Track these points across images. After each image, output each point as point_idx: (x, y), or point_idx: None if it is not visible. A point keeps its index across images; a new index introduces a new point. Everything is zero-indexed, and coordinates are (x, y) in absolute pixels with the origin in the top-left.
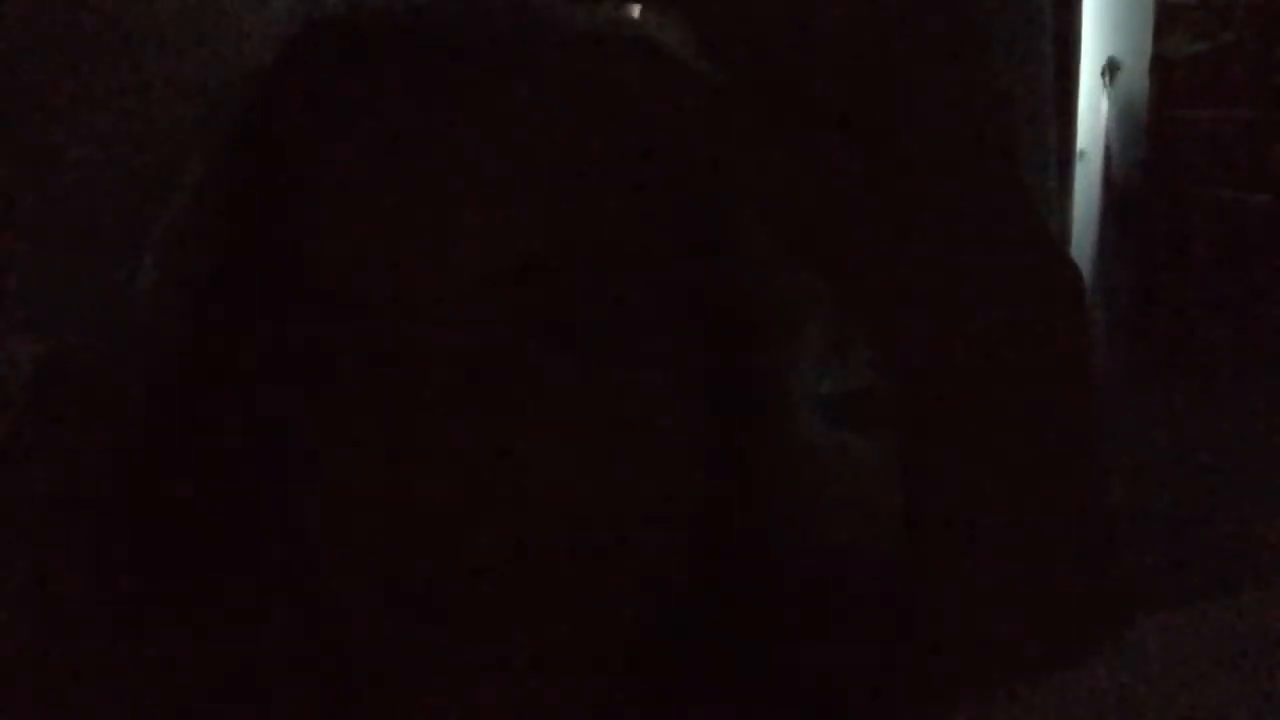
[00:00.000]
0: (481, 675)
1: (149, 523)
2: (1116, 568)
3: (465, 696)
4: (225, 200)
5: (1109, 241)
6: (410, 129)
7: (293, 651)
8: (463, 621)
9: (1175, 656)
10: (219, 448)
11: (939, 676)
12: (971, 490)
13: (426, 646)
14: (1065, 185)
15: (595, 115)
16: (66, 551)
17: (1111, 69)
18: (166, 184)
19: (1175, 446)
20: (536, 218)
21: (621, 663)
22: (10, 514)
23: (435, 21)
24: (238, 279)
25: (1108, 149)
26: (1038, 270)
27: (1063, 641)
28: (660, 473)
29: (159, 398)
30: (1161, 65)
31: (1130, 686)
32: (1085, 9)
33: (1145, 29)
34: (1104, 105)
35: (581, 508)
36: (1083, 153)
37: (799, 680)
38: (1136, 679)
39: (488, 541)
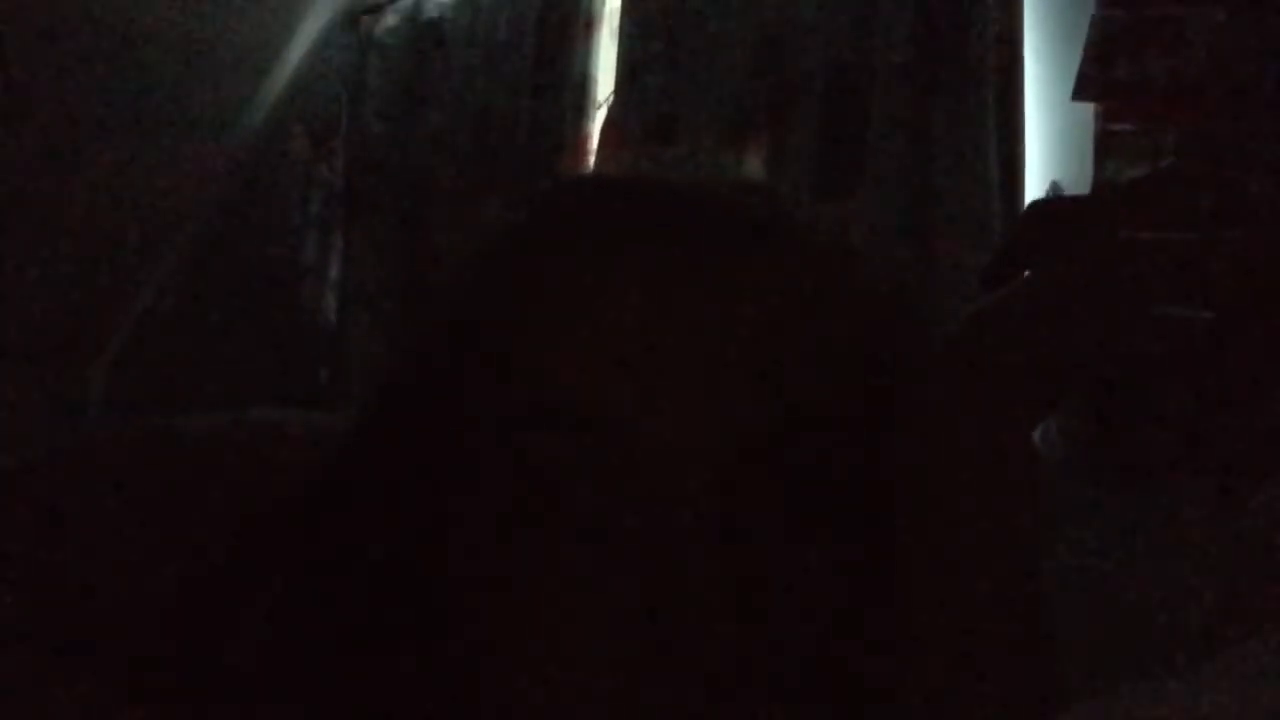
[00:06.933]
0: None
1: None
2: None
3: None
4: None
5: None
6: (678, 290)
7: None
8: None
9: None
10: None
11: None
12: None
13: None
14: None
15: (811, 309)
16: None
17: (1054, 192)
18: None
19: (1123, 553)
20: (770, 393)
21: None
22: None
23: (680, 193)
24: (462, 406)
25: None
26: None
27: None
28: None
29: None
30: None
31: None
32: (1028, 134)
33: (1086, 153)
34: None
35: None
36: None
37: None
38: None
39: (658, 705)
